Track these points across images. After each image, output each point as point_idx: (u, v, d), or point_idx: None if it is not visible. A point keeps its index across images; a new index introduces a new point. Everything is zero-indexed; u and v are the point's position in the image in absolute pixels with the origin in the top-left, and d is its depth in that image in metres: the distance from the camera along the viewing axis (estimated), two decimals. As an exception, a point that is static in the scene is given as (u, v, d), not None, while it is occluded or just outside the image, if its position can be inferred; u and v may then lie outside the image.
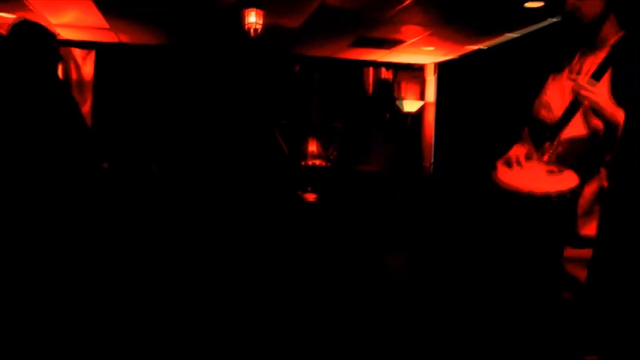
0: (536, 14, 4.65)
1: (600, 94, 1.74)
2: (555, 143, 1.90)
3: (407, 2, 4.39)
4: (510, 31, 5.34)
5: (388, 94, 5.60)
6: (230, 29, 5.31)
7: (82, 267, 3.07)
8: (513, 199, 1.83)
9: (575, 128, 1.87)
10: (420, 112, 7.48)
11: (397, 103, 7.38)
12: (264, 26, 4.79)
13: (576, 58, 2.00)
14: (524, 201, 1.79)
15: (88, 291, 3.25)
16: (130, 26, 5.59)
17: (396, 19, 4.97)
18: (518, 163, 1.95)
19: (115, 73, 6.55)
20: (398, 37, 5.73)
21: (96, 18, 5.21)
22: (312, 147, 6.74)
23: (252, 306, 3.60)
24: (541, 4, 4.33)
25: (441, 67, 7.23)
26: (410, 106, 7.25)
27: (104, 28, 5.69)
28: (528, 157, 1.98)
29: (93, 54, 6.44)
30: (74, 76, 6.39)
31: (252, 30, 4.56)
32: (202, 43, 6.36)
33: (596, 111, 1.76)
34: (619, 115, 1.72)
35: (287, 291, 3.97)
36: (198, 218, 5.54)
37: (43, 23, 2.93)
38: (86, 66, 6.42)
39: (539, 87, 2.11)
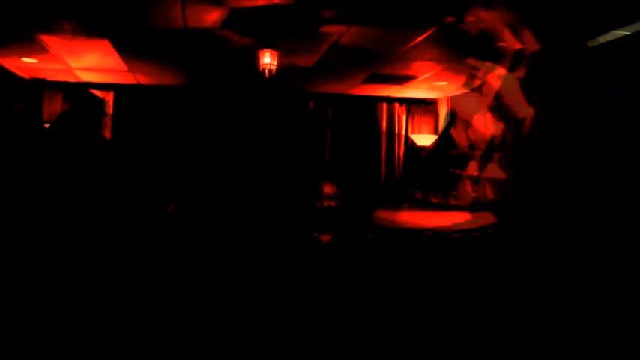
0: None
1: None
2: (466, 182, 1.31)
3: (418, 40, 4.44)
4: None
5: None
6: (245, 69, 5.41)
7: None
8: (410, 240, 1.23)
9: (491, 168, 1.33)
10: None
11: (412, 137, 7.42)
12: (279, 66, 4.87)
13: (482, 72, 1.48)
14: (427, 242, 1.18)
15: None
16: (147, 68, 5.72)
17: (407, 56, 5.02)
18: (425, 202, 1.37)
19: (133, 113, 6.67)
20: (410, 72, 5.78)
21: (114, 60, 5.35)
22: (327, 188, 6.72)
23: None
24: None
25: (453, 101, 7.25)
26: (424, 140, 7.26)
27: (122, 70, 5.83)
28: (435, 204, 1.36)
29: (111, 95, 6.60)
30: (93, 117, 6.53)
31: (266, 70, 4.63)
32: (218, 83, 6.48)
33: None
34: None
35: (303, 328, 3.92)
36: (214, 255, 5.54)
37: (63, 67, 3.09)
38: (105, 107, 6.56)
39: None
